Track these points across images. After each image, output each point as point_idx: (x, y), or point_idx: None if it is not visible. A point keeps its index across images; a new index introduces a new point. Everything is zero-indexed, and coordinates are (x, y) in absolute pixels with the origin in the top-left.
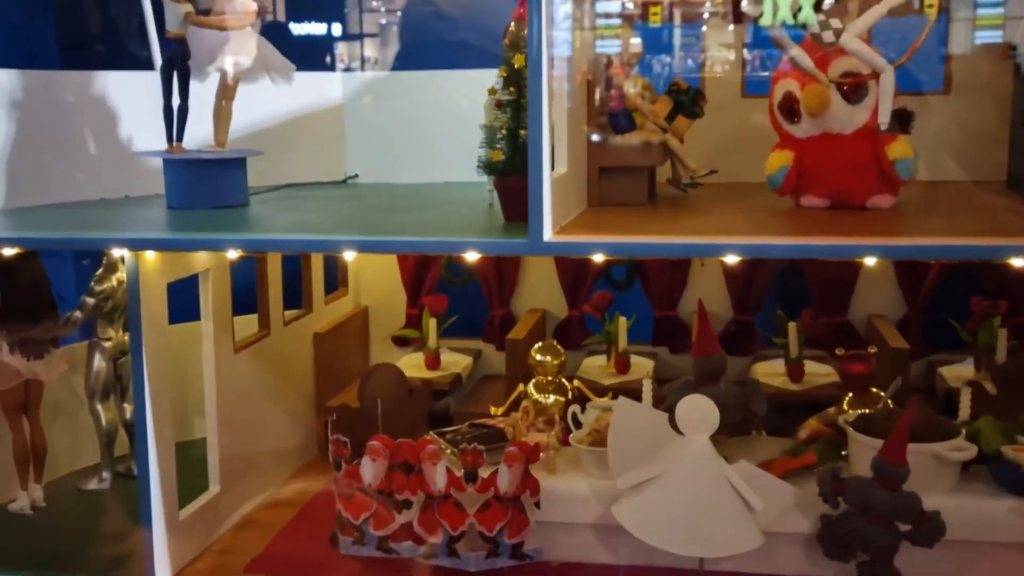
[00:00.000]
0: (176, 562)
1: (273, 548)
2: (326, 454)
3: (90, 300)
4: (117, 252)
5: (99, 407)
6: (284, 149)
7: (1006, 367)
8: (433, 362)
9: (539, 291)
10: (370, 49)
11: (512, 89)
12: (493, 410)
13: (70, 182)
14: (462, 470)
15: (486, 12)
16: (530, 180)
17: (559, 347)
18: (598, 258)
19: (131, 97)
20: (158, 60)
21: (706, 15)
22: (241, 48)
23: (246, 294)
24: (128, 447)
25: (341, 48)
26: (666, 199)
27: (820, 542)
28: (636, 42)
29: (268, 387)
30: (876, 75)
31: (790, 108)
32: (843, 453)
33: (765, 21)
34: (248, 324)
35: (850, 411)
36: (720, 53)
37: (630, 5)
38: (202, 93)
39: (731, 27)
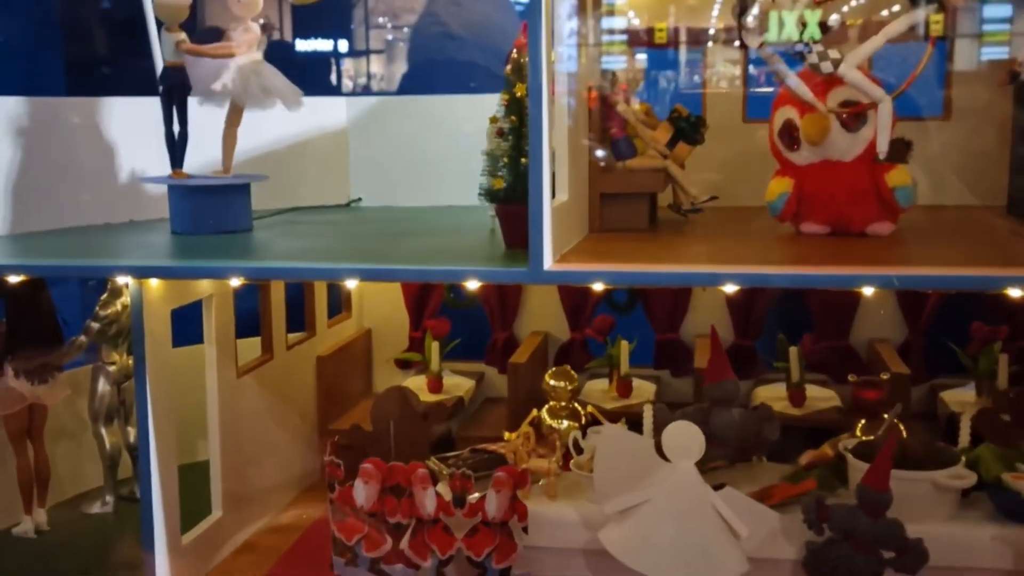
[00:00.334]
0: None
1: (275, 573)
2: None
3: (95, 325)
4: (121, 280)
5: (103, 431)
6: (288, 172)
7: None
8: (435, 385)
9: (541, 314)
10: (377, 68)
11: (514, 118)
12: (507, 435)
13: (76, 207)
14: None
15: (495, 34)
16: (531, 210)
17: (572, 372)
18: (598, 287)
19: (136, 122)
20: None
21: (709, 44)
22: (243, 74)
23: (250, 317)
24: (131, 470)
25: (347, 70)
26: (667, 224)
27: (805, 569)
28: (638, 68)
29: (271, 411)
30: (875, 104)
31: (790, 136)
32: None
33: (770, 38)
34: (251, 346)
35: (864, 438)
36: (724, 72)
37: (636, 21)
38: (208, 117)
39: (736, 44)
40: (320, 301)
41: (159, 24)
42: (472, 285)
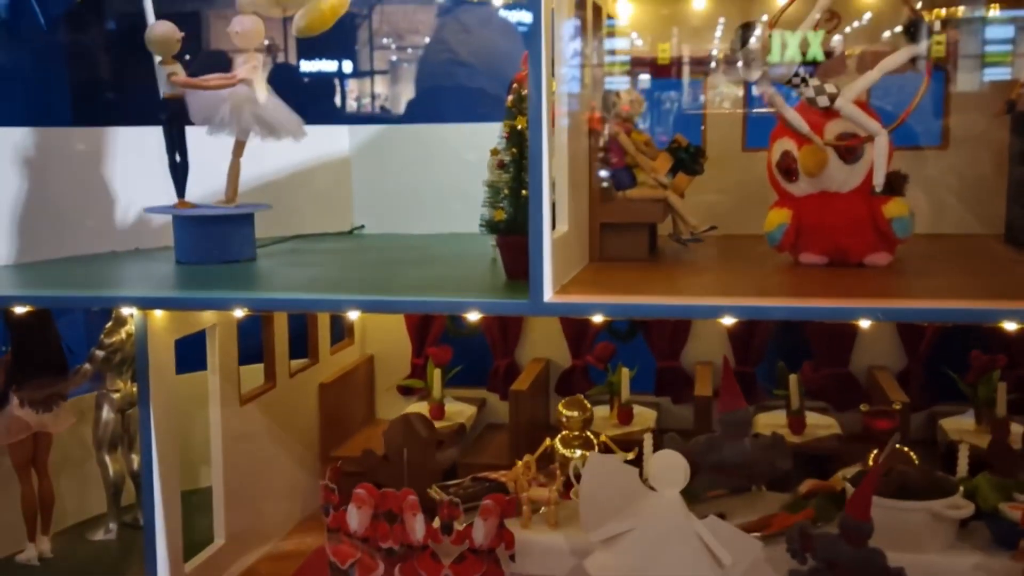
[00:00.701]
0: None
1: None
2: None
3: (100, 353)
4: (126, 311)
5: (107, 458)
6: (292, 199)
7: None
8: (437, 412)
9: (543, 341)
10: (382, 95)
11: (514, 150)
12: (532, 464)
13: (82, 235)
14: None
15: (502, 61)
16: (531, 242)
17: (585, 402)
18: (598, 319)
19: (142, 151)
20: None
21: (712, 64)
22: (235, 106)
23: (253, 343)
24: (135, 497)
25: (351, 94)
26: (667, 254)
27: None
28: (639, 97)
29: (274, 439)
30: (871, 137)
31: (788, 167)
32: None
33: (773, 59)
34: (254, 373)
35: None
36: (727, 93)
37: (640, 42)
38: (214, 145)
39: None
40: (323, 328)
41: None
42: (473, 317)
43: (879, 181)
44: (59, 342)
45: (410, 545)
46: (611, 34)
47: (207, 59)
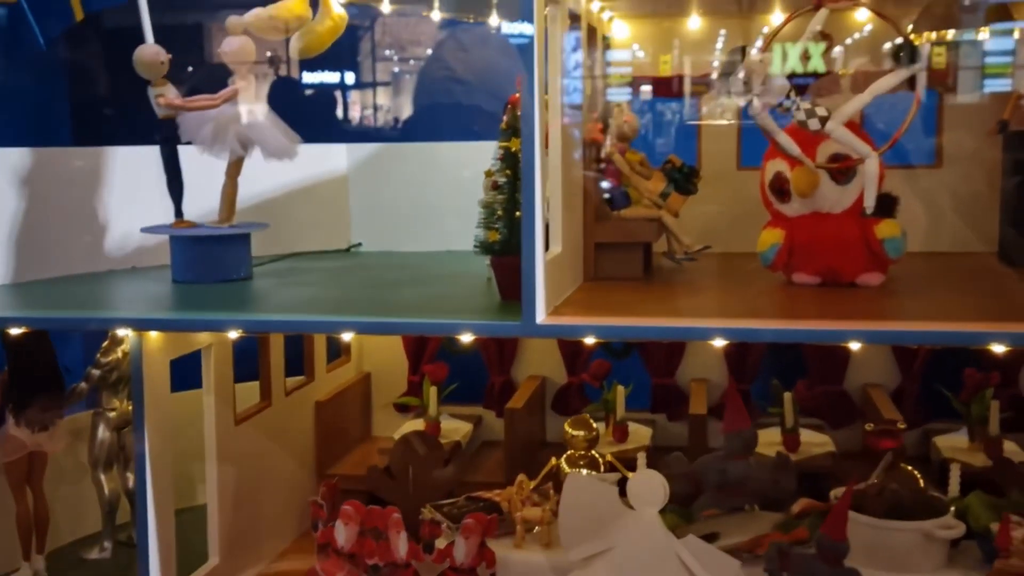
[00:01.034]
0: None
1: None
2: None
3: (96, 372)
4: (121, 332)
5: (102, 476)
6: (289, 217)
7: None
8: (433, 430)
9: (539, 359)
10: (381, 112)
11: (508, 171)
12: (525, 483)
13: (79, 254)
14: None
15: (500, 79)
16: (523, 266)
17: (591, 422)
18: (590, 340)
19: (140, 171)
20: None
21: (713, 75)
22: (218, 128)
23: (249, 361)
24: (130, 515)
25: (351, 110)
26: (662, 273)
27: None
28: (634, 118)
29: (269, 457)
30: (863, 160)
31: (780, 188)
32: None
33: (774, 69)
34: (251, 391)
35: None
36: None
37: (641, 54)
38: (219, 165)
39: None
40: (319, 346)
41: None
42: (466, 338)
43: (870, 204)
44: (55, 361)
45: (394, 563)
46: (606, 50)
47: (210, 74)
